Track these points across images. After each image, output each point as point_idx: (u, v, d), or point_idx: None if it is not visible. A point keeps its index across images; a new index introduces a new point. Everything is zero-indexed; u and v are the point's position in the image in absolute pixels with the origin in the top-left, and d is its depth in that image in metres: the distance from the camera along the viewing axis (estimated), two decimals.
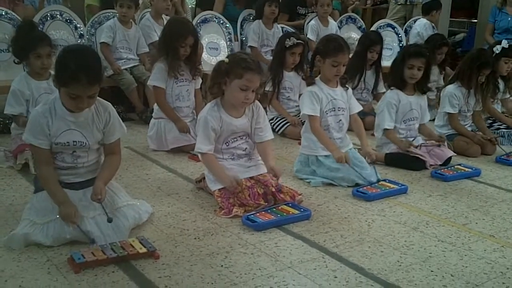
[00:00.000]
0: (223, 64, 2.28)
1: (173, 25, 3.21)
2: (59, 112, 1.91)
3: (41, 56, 2.73)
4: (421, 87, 3.07)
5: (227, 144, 2.35)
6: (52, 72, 2.69)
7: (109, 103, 2.03)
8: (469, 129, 3.46)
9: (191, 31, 3.17)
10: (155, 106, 3.25)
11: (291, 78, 3.75)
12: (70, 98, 1.84)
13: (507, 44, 3.65)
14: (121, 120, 2.06)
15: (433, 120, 3.62)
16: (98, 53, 3.98)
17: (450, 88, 3.37)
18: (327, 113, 2.70)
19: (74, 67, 1.78)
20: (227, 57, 2.35)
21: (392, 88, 3.08)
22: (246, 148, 2.40)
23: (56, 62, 1.91)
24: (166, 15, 4.26)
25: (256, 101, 2.40)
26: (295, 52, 3.66)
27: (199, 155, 2.38)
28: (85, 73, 1.78)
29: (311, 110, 2.66)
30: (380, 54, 3.97)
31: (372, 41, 3.95)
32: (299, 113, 3.67)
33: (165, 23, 4.20)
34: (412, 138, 3.10)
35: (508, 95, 3.88)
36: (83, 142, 1.95)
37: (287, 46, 3.65)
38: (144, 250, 1.80)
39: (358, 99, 3.90)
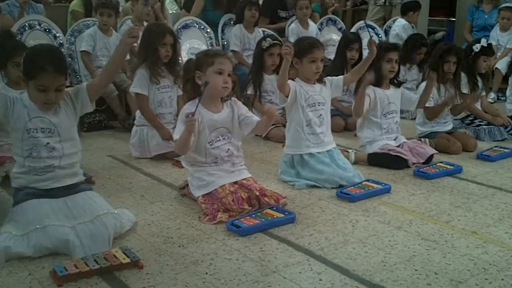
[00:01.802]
0: (191, 61, 2.39)
1: (150, 28, 3.25)
2: (27, 105, 1.97)
3: (19, 65, 2.71)
4: (395, 80, 3.16)
5: (211, 143, 2.34)
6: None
7: (66, 89, 2.07)
8: (450, 126, 3.50)
9: (168, 29, 3.20)
10: (137, 113, 3.23)
11: (272, 81, 3.76)
12: (38, 91, 1.91)
13: (486, 43, 3.70)
14: None
15: (415, 119, 3.67)
16: (79, 61, 4.05)
17: (424, 83, 3.43)
18: (307, 108, 2.71)
19: (41, 58, 1.91)
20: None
21: (367, 85, 3.11)
22: (229, 149, 2.39)
23: (23, 59, 1.99)
24: (147, 21, 4.24)
25: (233, 98, 2.43)
26: (273, 52, 3.68)
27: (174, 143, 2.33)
28: (52, 63, 1.90)
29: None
30: (360, 54, 4.00)
31: (349, 39, 4.00)
32: (282, 115, 3.71)
33: None
34: (394, 136, 3.13)
35: (484, 93, 3.93)
36: (50, 129, 1.99)
37: (264, 47, 3.68)
38: (127, 260, 1.79)
39: (340, 101, 3.97)
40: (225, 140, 2.38)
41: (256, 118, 2.44)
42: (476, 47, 3.65)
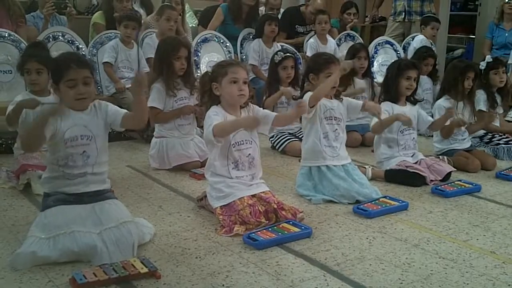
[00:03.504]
0: (206, 74, 2.47)
1: (164, 42, 3.32)
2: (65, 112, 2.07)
3: (29, 72, 2.85)
4: (412, 98, 3.17)
5: (234, 146, 2.36)
6: (52, 90, 2.86)
7: (103, 101, 2.20)
8: (469, 143, 3.47)
9: (182, 43, 3.25)
10: (157, 125, 3.27)
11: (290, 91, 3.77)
12: (68, 88, 2.03)
13: (491, 58, 3.77)
14: None
15: (431, 136, 3.65)
16: (100, 73, 4.15)
17: (439, 101, 3.46)
18: (324, 121, 2.73)
19: (62, 60, 2.10)
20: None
21: (384, 101, 3.11)
22: (250, 154, 2.41)
23: (51, 72, 2.18)
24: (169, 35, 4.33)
25: (249, 103, 2.48)
26: (286, 65, 3.72)
27: (213, 131, 2.26)
28: (72, 59, 2.08)
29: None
30: (368, 62, 4.07)
31: (356, 49, 4.07)
32: (299, 129, 3.71)
33: None
34: (412, 152, 3.12)
35: (501, 111, 3.91)
36: (89, 136, 2.07)
37: (277, 61, 3.72)
38: (145, 270, 1.81)
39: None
40: (247, 144, 2.41)
41: (273, 113, 2.52)
42: (482, 65, 3.69)
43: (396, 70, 3.09)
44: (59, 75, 2.04)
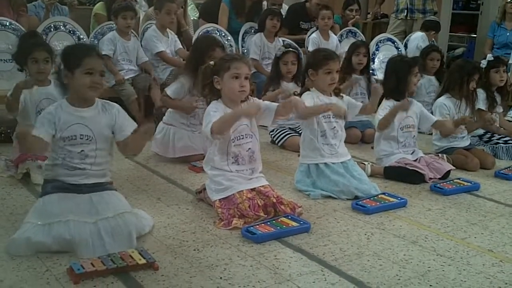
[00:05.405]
0: (208, 66, 2.43)
1: (200, 40, 3.31)
2: (65, 109, 2.06)
3: (37, 61, 2.80)
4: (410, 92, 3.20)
5: (233, 141, 2.36)
6: (52, 79, 2.89)
7: (116, 104, 2.18)
8: (467, 142, 3.48)
9: (218, 43, 3.19)
10: (167, 112, 3.28)
11: (289, 89, 3.76)
12: (86, 75, 2.02)
13: (492, 57, 3.78)
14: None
15: (431, 134, 3.65)
16: None
17: (440, 99, 3.45)
18: (322, 119, 2.73)
19: (80, 49, 2.15)
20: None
21: (388, 98, 3.10)
22: (249, 148, 2.40)
23: (62, 58, 2.09)
24: (170, 28, 4.31)
25: (250, 97, 2.46)
26: (287, 60, 3.70)
27: (211, 128, 2.26)
28: (92, 48, 2.14)
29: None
30: (368, 59, 4.04)
31: (356, 45, 4.04)
32: (298, 125, 3.70)
33: (169, 36, 4.26)
34: (411, 150, 3.12)
35: (501, 110, 3.91)
36: (89, 136, 2.05)
37: (278, 55, 3.72)
38: (143, 261, 1.81)
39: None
40: (247, 138, 2.40)
41: (275, 104, 2.49)
42: (483, 64, 3.70)
43: (408, 68, 3.07)
44: (77, 62, 2.03)
